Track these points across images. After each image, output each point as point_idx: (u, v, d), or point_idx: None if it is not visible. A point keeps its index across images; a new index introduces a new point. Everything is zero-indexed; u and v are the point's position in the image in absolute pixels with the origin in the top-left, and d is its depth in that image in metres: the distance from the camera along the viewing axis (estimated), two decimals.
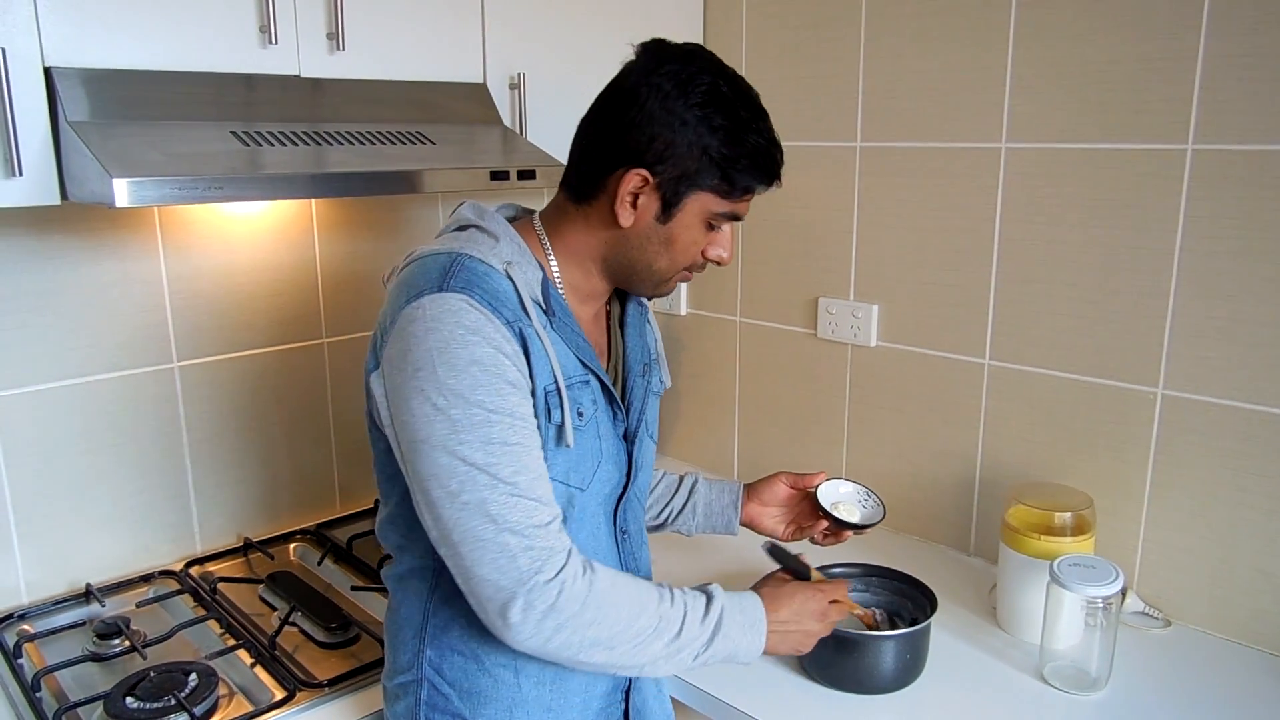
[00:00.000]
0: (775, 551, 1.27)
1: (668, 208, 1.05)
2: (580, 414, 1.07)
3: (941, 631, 1.43)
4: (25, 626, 1.48)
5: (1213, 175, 1.35)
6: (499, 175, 1.43)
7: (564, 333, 1.07)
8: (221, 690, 1.33)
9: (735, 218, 1.10)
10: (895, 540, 1.77)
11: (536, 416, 1.02)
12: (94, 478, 1.59)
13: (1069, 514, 1.40)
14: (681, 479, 1.43)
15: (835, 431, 1.88)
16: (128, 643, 1.42)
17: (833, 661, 1.31)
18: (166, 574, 1.64)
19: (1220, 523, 1.42)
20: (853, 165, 1.75)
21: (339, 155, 1.33)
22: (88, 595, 1.56)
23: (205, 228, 1.64)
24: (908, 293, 1.72)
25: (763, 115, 1.06)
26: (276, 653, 1.40)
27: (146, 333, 1.61)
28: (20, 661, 1.38)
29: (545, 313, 1.06)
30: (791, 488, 1.38)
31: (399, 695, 1.15)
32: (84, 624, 1.49)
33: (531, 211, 1.16)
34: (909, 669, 1.32)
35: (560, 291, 1.10)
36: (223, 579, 1.62)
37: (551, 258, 1.11)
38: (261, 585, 1.61)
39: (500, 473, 0.97)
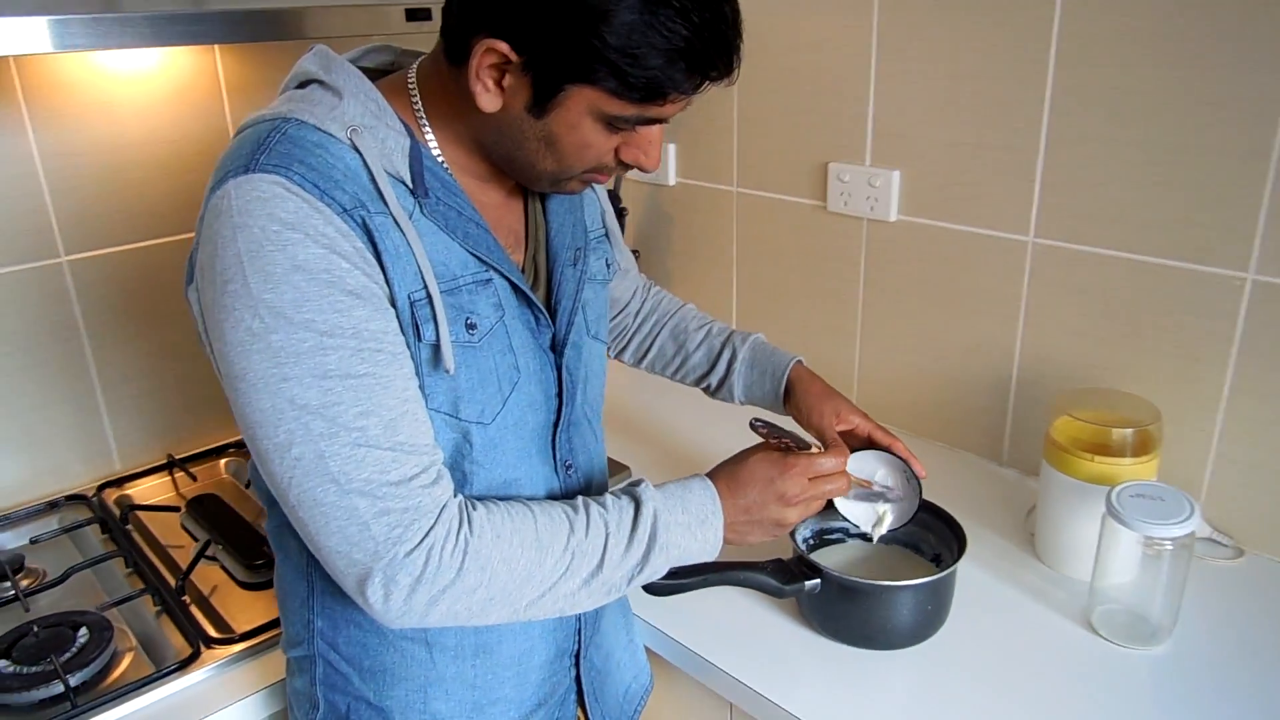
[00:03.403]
0: (765, 429, 1.02)
1: (541, 100, 0.77)
2: (472, 326, 0.81)
3: (969, 562, 1.20)
4: None
5: None
6: (417, 15, 1.13)
7: (446, 218, 0.81)
8: (123, 644, 1.14)
9: (650, 121, 0.80)
10: (914, 447, 1.53)
11: (404, 334, 0.77)
12: None
13: (1129, 430, 1.15)
14: (720, 352, 1.21)
15: (848, 321, 1.62)
16: (13, 591, 1.23)
17: (837, 614, 1.09)
18: (76, 499, 1.44)
19: None
20: (870, 0, 1.44)
21: None
22: None
23: (82, 92, 1.36)
24: (936, 156, 1.43)
25: None
26: (185, 598, 1.20)
27: (23, 222, 1.35)
28: None
29: (413, 194, 0.79)
30: (845, 427, 1.12)
31: (296, 671, 0.96)
32: None
33: (418, 56, 0.88)
34: (928, 622, 1.10)
35: (442, 164, 0.83)
36: (137, 507, 1.41)
37: (426, 126, 0.83)
38: (181, 513, 1.41)
39: (341, 416, 0.73)
